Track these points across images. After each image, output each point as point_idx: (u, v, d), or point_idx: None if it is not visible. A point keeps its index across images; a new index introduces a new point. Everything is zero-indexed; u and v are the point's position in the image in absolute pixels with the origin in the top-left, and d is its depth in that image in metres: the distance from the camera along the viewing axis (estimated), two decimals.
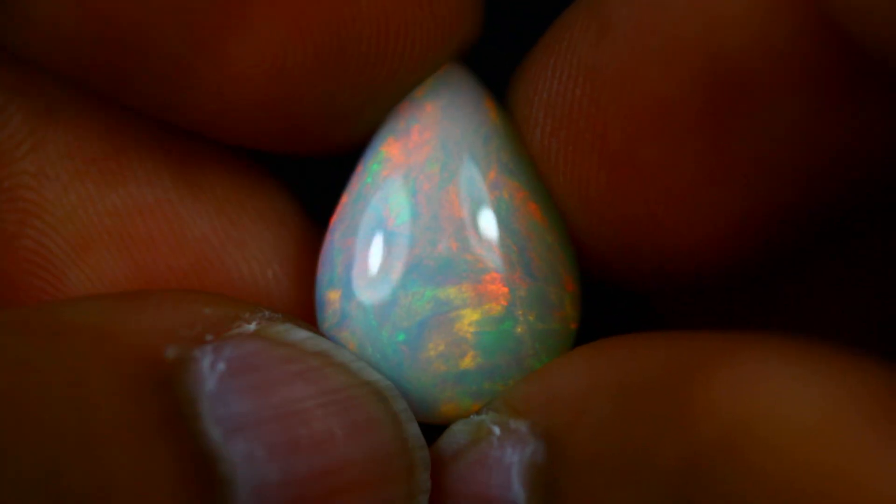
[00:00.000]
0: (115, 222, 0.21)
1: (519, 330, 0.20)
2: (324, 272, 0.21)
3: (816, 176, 0.19)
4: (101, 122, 0.21)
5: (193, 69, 0.20)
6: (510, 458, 0.19)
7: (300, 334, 0.19)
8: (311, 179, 0.23)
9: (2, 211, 0.21)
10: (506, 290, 0.20)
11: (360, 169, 0.21)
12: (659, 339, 0.19)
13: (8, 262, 0.21)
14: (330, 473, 0.18)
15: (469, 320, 0.20)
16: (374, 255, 0.21)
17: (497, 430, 0.19)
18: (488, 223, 0.20)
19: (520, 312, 0.20)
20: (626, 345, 0.19)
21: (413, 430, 0.19)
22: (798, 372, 0.16)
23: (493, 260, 0.20)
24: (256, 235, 0.22)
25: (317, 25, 0.20)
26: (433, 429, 0.21)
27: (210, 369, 0.18)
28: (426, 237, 0.20)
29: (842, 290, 0.23)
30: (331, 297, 0.21)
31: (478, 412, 0.20)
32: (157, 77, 0.20)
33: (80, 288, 0.21)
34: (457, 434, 0.20)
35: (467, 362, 0.20)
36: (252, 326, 0.19)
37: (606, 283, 0.22)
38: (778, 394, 0.16)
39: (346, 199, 0.21)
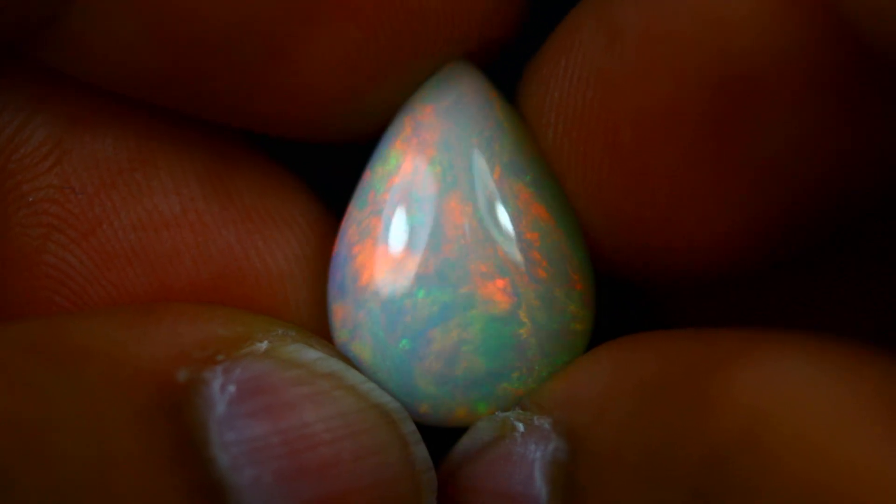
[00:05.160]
0: (138, 236, 0.21)
1: (526, 332, 0.20)
2: (332, 283, 0.21)
3: (825, 177, 0.19)
4: (129, 130, 0.21)
5: (267, 76, 0.20)
6: (533, 454, 0.19)
7: (311, 354, 0.19)
8: (338, 178, 0.23)
9: (26, 226, 0.21)
10: (511, 291, 0.20)
11: (366, 175, 0.21)
12: (680, 336, 0.19)
13: (29, 279, 0.21)
14: (336, 499, 0.18)
15: (476, 324, 0.20)
16: (380, 263, 0.21)
17: (521, 427, 0.19)
18: (493, 225, 0.20)
19: (526, 314, 0.20)
20: (647, 342, 0.19)
21: (420, 452, 0.19)
22: (815, 368, 0.16)
23: (498, 263, 0.20)
24: (282, 244, 0.22)
25: (387, 20, 0.20)
26: (450, 432, 0.21)
27: (220, 392, 0.18)
28: (431, 242, 0.20)
29: (850, 287, 0.23)
30: (340, 308, 0.21)
31: (504, 410, 0.20)
32: (230, 88, 0.20)
33: (100, 304, 0.21)
34: (481, 431, 0.20)
35: (476, 367, 0.20)
36: (264, 346, 0.19)
37: (620, 280, 0.22)
38: (796, 389, 0.16)
39: (352, 208, 0.21)
